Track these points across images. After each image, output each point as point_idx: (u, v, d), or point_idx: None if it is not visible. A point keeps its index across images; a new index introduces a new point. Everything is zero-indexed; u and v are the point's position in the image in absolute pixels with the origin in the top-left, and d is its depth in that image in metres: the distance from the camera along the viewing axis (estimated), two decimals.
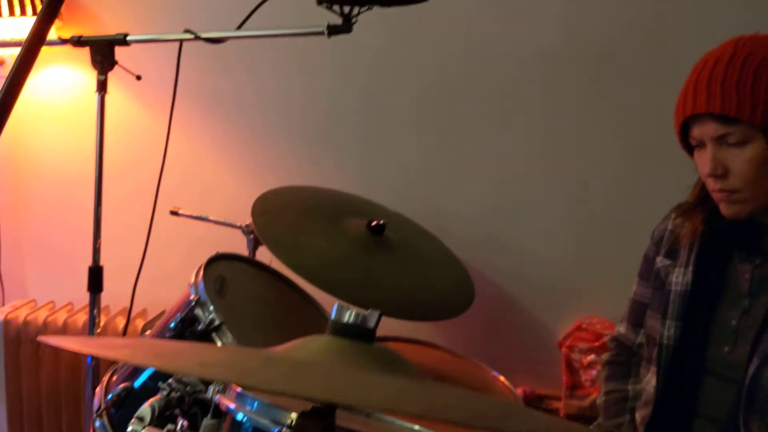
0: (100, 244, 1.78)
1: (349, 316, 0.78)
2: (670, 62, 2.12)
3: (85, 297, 1.90)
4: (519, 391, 2.25)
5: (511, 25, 2.31)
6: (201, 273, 1.53)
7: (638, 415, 1.54)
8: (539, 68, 2.31)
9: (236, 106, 2.55)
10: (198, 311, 1.45)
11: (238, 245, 2.13)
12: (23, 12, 2.38)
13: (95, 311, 1.87)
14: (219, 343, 1.41)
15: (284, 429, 1.02)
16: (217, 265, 1.61)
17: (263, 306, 1.65)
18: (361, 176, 2.47)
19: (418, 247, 2.08)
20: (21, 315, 2.46)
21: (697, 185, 1.46)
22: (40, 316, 2.44)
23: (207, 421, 1.13)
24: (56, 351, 2.38)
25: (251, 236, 2.07)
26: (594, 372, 2.17)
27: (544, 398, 2.32)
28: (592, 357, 2.20)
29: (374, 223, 1.92)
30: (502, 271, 2.40)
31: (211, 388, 1.12)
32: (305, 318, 1.73)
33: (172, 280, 2.49)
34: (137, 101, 2.58)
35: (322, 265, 1.73)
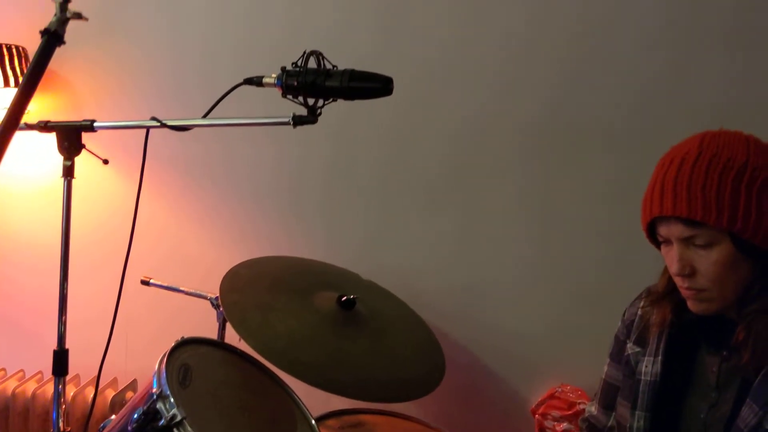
0: (65, 321, 1.74)
1: None
2: (646, 141, 2.12)
3: None
4: None
5: (488, 96, 2.32)
6: (164, 362, 1.50)
7: None
8: (515, 143, 2.31)
9: (208, 175, 2.55)
10: (159, 405, 1.41)
11: (213, 313, 2.10)
12: (6, 83, 2.36)
13: (60, 388, 1.82)
14: None
15: None
16: (182, 351, 1.58)
17: (229, 391, 1.62)
18: (336, 246, 2.47)
19: (389, 320, 2.05)
20: None
21: (665, 274, 1.44)
22: (9, 386, 2.41)
23: None
24: (25, 421, 2.33)
25: (220, 309, 2.05)
26: None
27: None
28: (565, 425, 2.19)
29: (344, 299, 1.90)
30: (476, 340, 2.39)
31: None
32: (273, 400, 1.70)
33: (144, 348, 2.48)
34: (106, 173, 2.57)
35: (290, 347, 1.71)
